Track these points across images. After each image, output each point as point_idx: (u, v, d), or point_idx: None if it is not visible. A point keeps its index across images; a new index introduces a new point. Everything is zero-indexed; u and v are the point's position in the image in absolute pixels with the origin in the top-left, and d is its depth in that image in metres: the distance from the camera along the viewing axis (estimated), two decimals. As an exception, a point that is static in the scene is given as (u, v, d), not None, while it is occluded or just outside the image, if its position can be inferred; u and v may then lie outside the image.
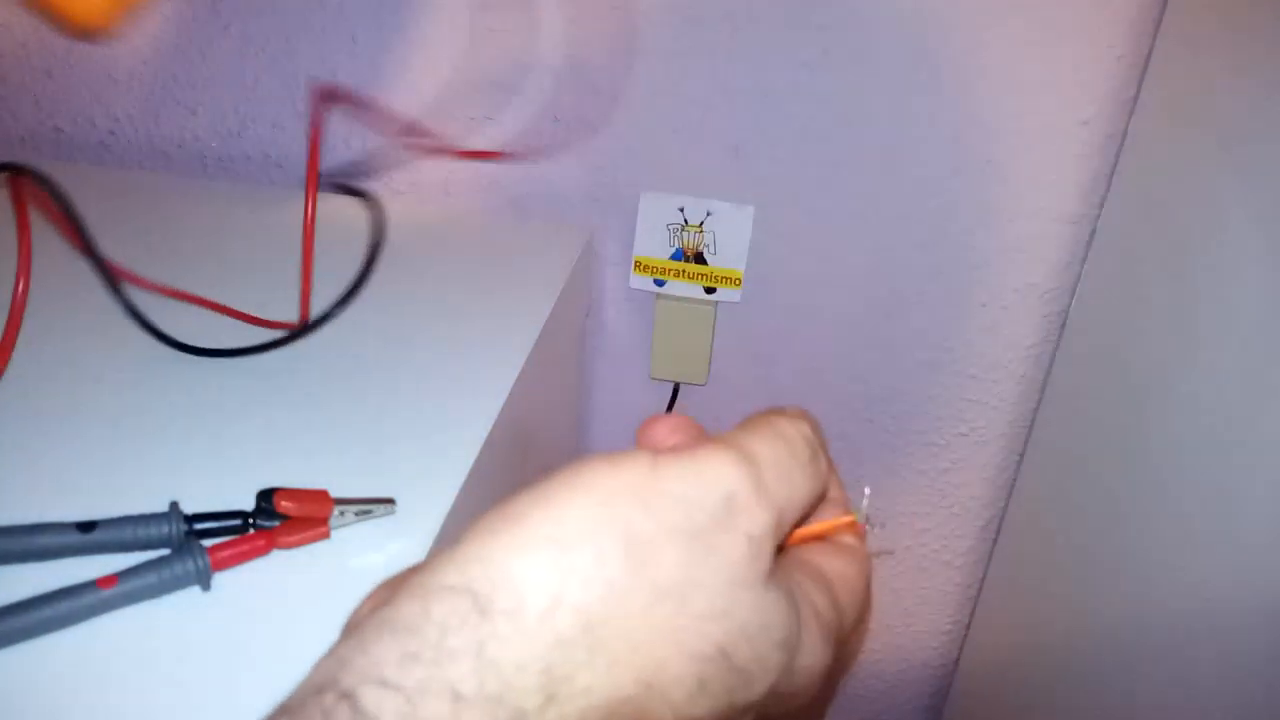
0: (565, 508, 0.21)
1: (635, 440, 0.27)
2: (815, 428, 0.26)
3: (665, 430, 0.26)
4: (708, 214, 0.63)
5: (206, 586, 0.35)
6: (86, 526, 0.35)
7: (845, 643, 0.24)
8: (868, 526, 0.27)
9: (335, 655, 0.21)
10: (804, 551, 0.26)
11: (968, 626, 0.80)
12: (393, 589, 0.22)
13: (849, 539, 0.27)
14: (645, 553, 0.21)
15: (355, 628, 0.21)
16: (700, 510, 0.22)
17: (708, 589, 0.21)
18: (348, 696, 0.20)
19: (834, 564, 0.26)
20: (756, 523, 0.22)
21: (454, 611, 0.20)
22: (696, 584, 0.21)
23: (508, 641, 0.20)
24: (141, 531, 0.36)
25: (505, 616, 0.20)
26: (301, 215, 0.46)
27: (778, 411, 0.25)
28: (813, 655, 0.23)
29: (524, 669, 0.20)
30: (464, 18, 0.61)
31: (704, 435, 0.26)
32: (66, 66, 0.67)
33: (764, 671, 0.22)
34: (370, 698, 0.20)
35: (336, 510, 0.38)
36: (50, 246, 0.54)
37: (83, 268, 0.52)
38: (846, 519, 0.26)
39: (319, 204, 0.45)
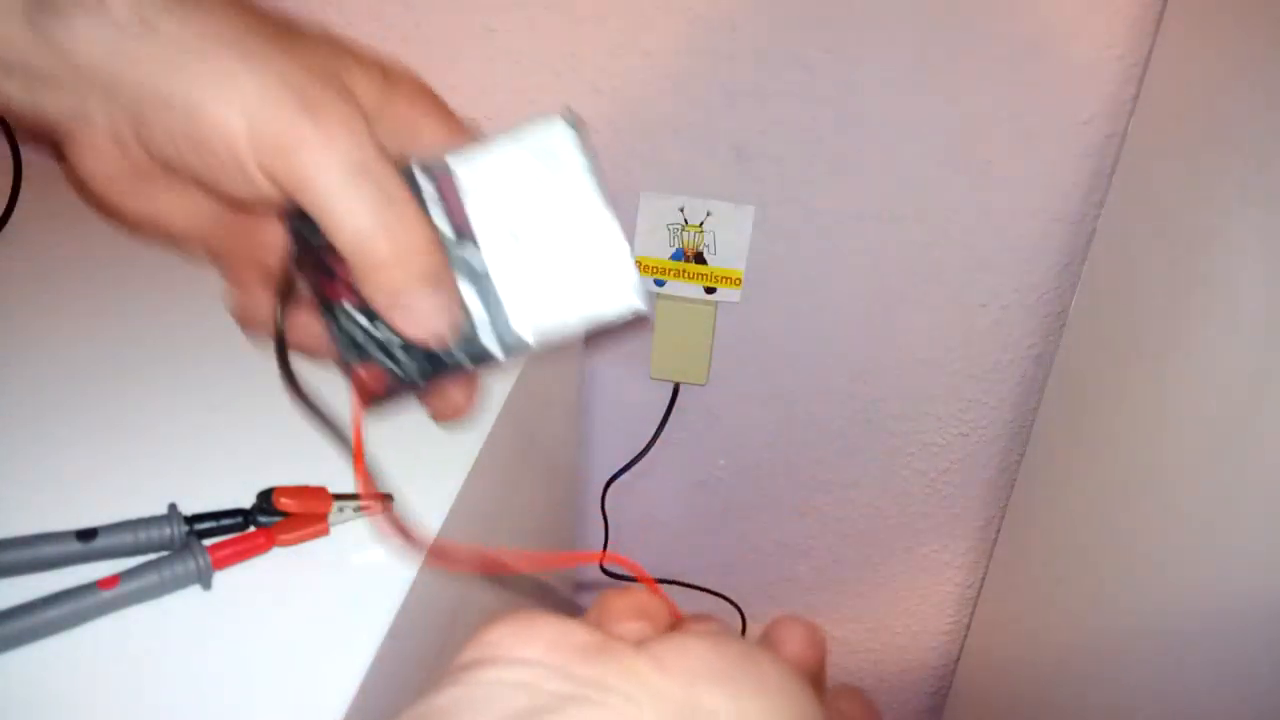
0: None
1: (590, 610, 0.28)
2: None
3: (628, 612, 0.27)
4: (708, 214, 0.64)
5: (208, 585, 0.35)
6: (86, 535, 0.35)
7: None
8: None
9: None
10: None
11: (968, 626, 0.80)
12: None
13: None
14: None
15: None
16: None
17: None
18: None
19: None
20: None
21: None
22: None
23: None
24: (142, 535, 0.36)
25: None
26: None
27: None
28: None
29: None
30: (464, 18, 0.61)
31: (662, 614, 0.27)
32: (67, 66, 0.67)
33: None
34: None
35: (335, 507, 0.38)
36: (46, 246, 0.54)
37: (77, 267, 0.52)
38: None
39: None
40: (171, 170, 0.33)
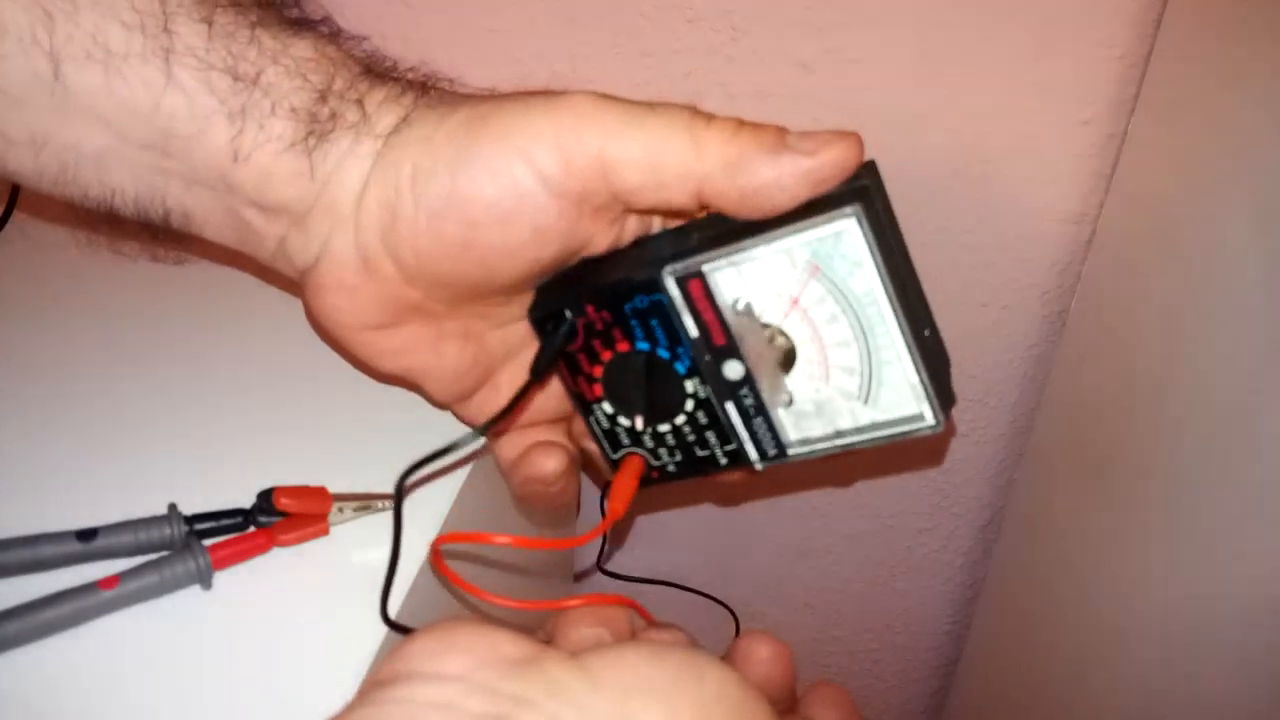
0: None
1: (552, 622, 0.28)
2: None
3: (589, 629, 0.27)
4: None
5: (208, 585, 0.36)
6: (86, 535, 0.35)
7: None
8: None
9: None
10: None
11: (968, 626, 0.80)
12: None
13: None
14: None
15: None
16: None
17: None
18: None
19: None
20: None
21: None
22: None
23: None
24: (142, 535, 0.36)
25: None
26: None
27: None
28: None
29: None
30: (465, 18, 0.61)
31: (623, 628, 0.27)
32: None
33: None
34: None
35: (335, 507, 0.38)
36: (46, 246, 0.54)
37: (76, 268, 0.52)
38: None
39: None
40: (429, 281, 0.32)
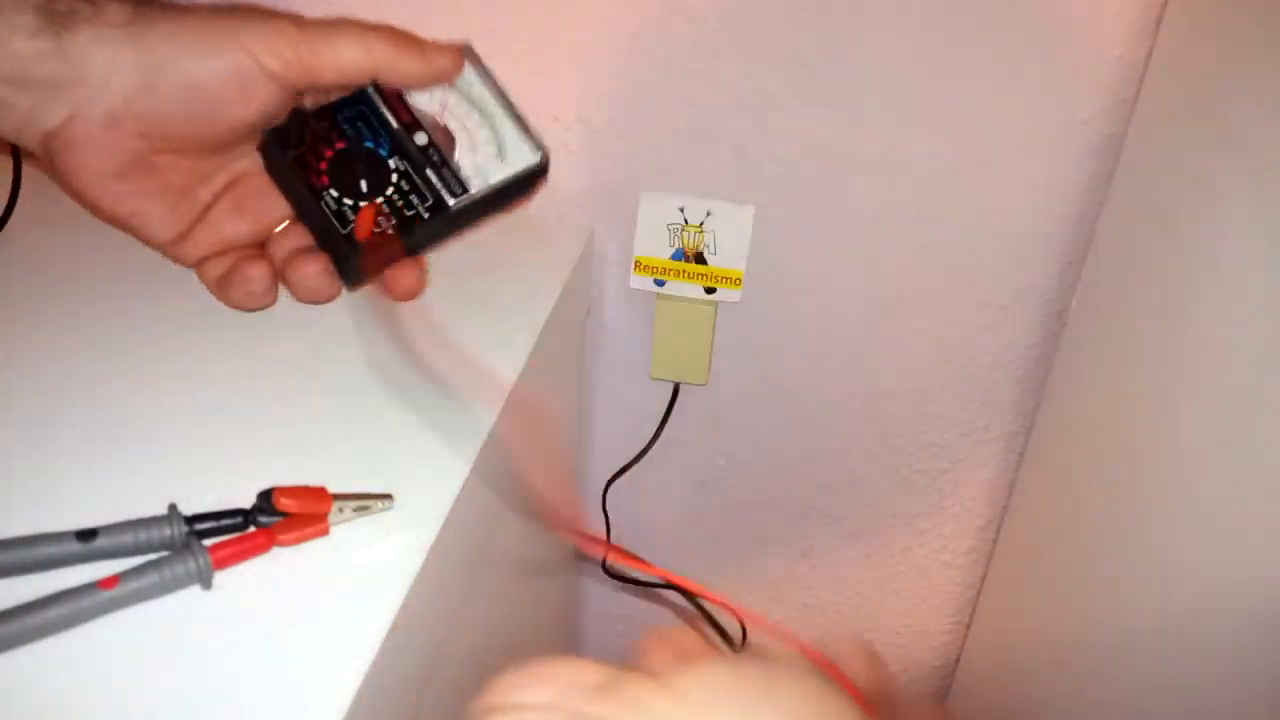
0: None
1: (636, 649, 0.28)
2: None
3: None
4: (708, 214, 0.64)
5: (208, 585, 0.36)
6: (86, 535, 0.35)
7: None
8: None
9: None
10: None
11: (968, 626, 0.80)
12: None
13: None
14: None
15: None
16: None
17: None
18: None
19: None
20: None
21: None
22: None
23: None
24: (142, 535, 0.36)
25: None
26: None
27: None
28: None
29: None
30: (465, 17, 0.61)
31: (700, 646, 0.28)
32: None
33: None
34: None
35: (335, 507, 0.38)
36: (46, 246, 0.54)
37: (76, 268, 0.52)
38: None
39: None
40: (163, 135, 0.42)
